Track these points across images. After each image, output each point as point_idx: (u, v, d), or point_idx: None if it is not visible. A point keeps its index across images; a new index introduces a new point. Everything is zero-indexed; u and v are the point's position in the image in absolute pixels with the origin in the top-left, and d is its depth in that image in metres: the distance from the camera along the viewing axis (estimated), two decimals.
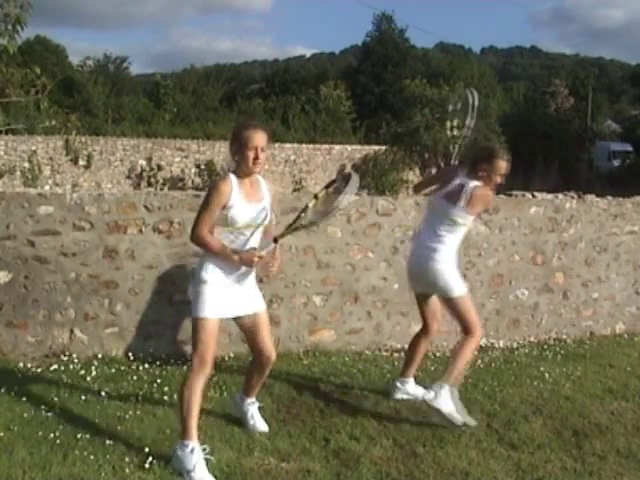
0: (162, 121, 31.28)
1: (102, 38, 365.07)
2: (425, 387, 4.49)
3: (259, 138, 3.40)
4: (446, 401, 3.94)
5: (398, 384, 4.45)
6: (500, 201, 5.83)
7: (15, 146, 19.42)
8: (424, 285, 4.23)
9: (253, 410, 3.89)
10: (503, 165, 4.11)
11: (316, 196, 3.55)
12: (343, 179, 3.53)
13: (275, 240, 3.45)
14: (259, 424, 3.85)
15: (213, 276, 3.45)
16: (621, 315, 6.57)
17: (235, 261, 3.42)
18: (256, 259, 3.41)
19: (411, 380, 4.47)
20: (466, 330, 4.13)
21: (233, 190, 3.40)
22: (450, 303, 4.14)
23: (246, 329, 3.64)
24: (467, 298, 4.17)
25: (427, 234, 4.18)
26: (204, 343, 3.40)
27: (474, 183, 4.07)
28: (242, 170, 3.47)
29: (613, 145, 36.18)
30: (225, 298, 3.46)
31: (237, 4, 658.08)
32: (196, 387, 3.38)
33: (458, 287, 4.12)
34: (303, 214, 3.50)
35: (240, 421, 3.89)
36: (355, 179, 3.49)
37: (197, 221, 3.42)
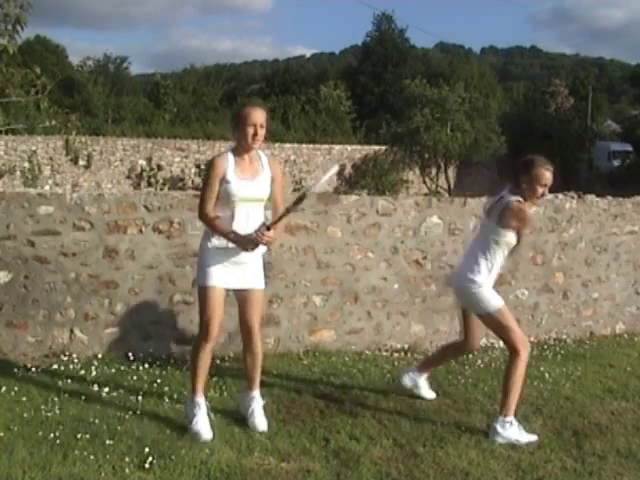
0: (162, 121, 31.29)
1: (102, 38, 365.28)
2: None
3: (258, 115, 3.61)
4: (513, 433, 3.85)
5: (411, 373, 4.43)
6: None
7: (15, 146, 19.44)
8: (461, 302, 4.16)
9: (255, 406, 3.88)
10: (543, 173, 3.90)
11: (305, 188, 3.71)
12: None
13: (268, 228, 3.58)
14: (259, 422, 3.81)
15: (216, 247, 3.64)
16: (621, 315, 6.56)
17: (232, 241, 3.60)
18: (250, 247, 3.58)
19: (425, 376, 4.44)
20: (509, 348, 3.97)
21: (229, 166, 3.62)
22: (485, 320, 4.01)
23: (239, 301, 3.80)
24: (503, 313, 3.93)
25: (469, 252, 4.10)
26: (208, 311, 3.64)
27: (511, 198, 3.89)
28: (242, 146, 3.67)
29: (613, 145, 36.19)
30: (227, 269, 3.66)
31: (237, 4, 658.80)
32: (202, 353, 3.68)
33: (492, 303, 3.93)
34: (293, 203, 3.61)
35: (240, 421, 3.89)
36: (333, 170, 3.71)
37: (200, 199, 3.67)
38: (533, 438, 3.87)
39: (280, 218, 3.63)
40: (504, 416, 3.87)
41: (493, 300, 3.94)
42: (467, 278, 3.97)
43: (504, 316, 3.94)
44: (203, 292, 3.66)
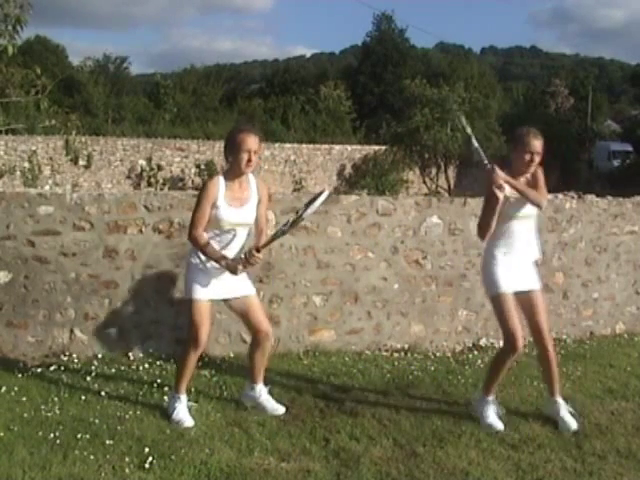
0: (162, 121, 31.30)
1: (102, 38, 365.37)
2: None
3: (252, 142, 3.70)
4: (483, 409, 4.05)
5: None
6: None
7: (15, 146, 19.45)
8: None
9: (264, 395, 4.08)
10: (528, 141, 3.91)
11: (297, 212, 3.80)
12: (316, 196, 3.76)
13: (257, 250, 3.71)
14: (275, 407, 4.04)
15: (203, 261, 3.76)
16: (621, 315, 6.56)
17: (222, 266, 3.71)
18: (240, 267, 3.70)
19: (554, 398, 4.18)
20: (503, 336, 3.98)
21: (220, 191, 3.72)
22: (491, 302, 4.07)
23: (239, 312, 3.95)
24: (500, 301, 3.92)
25: None
26: (196, 323, 3.77)
27: None
28: (234, 171, 3.77)
29: (613, 145, 36.23)
30: (214, 282, 3.79)
31: (238, 4, 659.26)
32: (189, 359, 3.83)
33: (493, 286, 3.95)
34: (284, 227, 3.76)
35: (240, 422, 3.90)
36: (324, 196, 3.73)
37: (191, 221, 3.76)
38: (498, 426, 3.94)
39: (272, 240, 3.80)
40: (483, 393, 4.09)
41: (495, 283, 3.95)
42: (482, 257, 4.15)
43: (500, 304, 3.94)
44: (190, 305, 3.80)
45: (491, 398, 4.09)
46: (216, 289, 3.80)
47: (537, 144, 3.94)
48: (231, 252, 3.78)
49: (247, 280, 3.96)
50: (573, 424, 4.01)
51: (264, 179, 4.07)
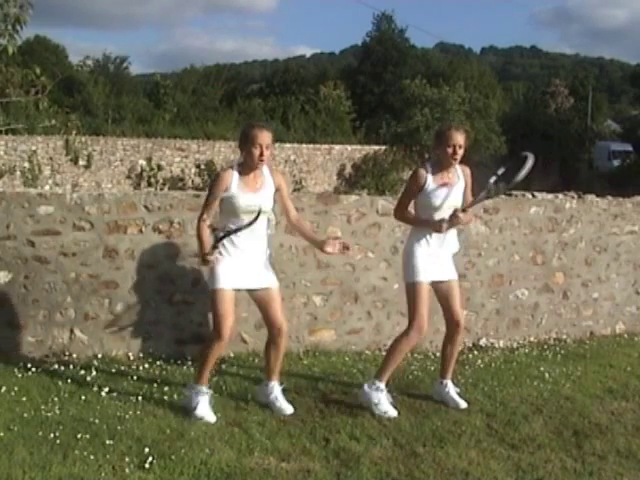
0: (162, 121, 31.21)
1: (104, 38, 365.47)
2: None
3: (265, 137, 3.84)
4: (376, 397, 4.13)
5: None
6: (500, 201, 5.82)
7: (15, 146, 19.41)
8: None
9: (277, 393, 4.11)
10: (450, 135, 4.02)
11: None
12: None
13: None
14: (285, 406, 4.06)
15: (226, 250, 3.82)
16: (621, 315, 6.56)
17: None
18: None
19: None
20: (408, 322, 4.16)
21: (233, 180, 3.83)
22: (405, 288, 4.21)
23: (259, 302, 4.03)
24: (416, 289, 4.10)
25: None
26: (220, 314, 3.82)
27: None
28: (247, 164, 3.89)
29: (613, 145, 36.25)
30: (238, 271, 3.84)
31: (241, 4, 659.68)
32: (214, 350, 3.86)
33: (410, 274, 4.12)
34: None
35: (240, 422, 3.90)
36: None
37: (202, 206, 3.92)
38: (392, 413, 4.06)
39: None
40: (375, 379, 4.18)
41: (413, 271, 4.11)
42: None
43: (415, 292, 4.09)
44: (214, 294, 3.85)
45: (383, 385, 4.18)
46: (240, 279, 3.86)
47: (459, 137, 4.04)
48: (250, 240, 3.85)
49: (271, 272, 4.03)
50: (462, 403, 4.27)
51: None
